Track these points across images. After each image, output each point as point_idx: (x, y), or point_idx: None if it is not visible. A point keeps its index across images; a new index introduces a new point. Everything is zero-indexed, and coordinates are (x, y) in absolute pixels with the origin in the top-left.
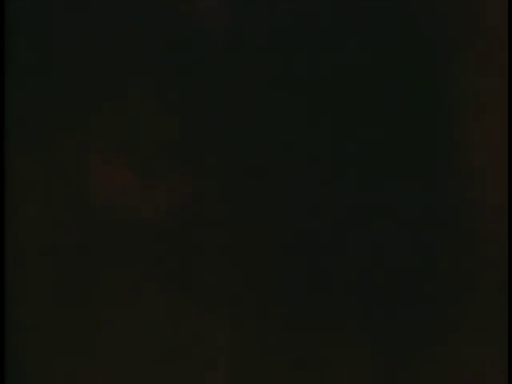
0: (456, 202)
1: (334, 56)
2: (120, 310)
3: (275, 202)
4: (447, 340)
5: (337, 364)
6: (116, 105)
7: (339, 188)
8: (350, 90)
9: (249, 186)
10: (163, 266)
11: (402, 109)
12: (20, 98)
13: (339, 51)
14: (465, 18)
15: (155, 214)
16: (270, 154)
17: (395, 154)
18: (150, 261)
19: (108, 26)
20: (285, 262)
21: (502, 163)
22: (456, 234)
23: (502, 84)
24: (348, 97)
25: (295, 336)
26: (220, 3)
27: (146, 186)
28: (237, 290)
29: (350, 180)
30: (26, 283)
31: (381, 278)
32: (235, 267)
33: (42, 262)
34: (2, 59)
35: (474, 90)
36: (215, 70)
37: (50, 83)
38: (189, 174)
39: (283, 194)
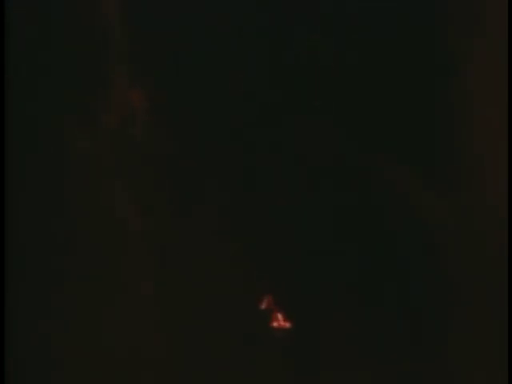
0: (456, 202)
1: (335, 54)
2: (120, 312)
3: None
4: (447, 340)
5: None
6: (115, 103)
7: (337, 188)
8: (349, 89)
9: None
10: None
11: (402, 109)
12: (20, 98)
13: (340, 49)
14: (465, 17)
15: None
16: (269, 152)
17: (395, 154)
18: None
19: (107, 25)
20: None
21: (502, 163)
22: (456, 234)
23: (502, 84)
24: (347, 96)
25: None
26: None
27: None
28: None
29: (349, 179)
30: (26, 282)
31: (380, 277)
32: None
33: (42, 262)
34: (2, 59)
35: (474, 90)
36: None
37: (50, 83)
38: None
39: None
